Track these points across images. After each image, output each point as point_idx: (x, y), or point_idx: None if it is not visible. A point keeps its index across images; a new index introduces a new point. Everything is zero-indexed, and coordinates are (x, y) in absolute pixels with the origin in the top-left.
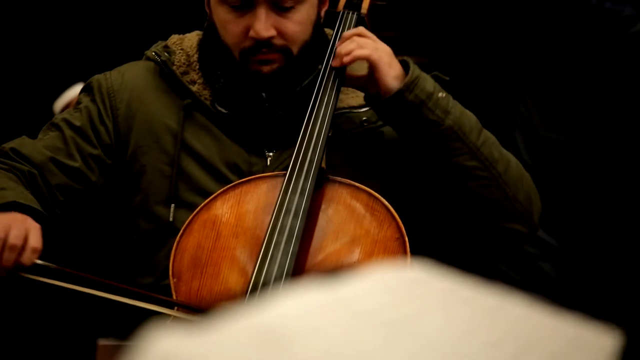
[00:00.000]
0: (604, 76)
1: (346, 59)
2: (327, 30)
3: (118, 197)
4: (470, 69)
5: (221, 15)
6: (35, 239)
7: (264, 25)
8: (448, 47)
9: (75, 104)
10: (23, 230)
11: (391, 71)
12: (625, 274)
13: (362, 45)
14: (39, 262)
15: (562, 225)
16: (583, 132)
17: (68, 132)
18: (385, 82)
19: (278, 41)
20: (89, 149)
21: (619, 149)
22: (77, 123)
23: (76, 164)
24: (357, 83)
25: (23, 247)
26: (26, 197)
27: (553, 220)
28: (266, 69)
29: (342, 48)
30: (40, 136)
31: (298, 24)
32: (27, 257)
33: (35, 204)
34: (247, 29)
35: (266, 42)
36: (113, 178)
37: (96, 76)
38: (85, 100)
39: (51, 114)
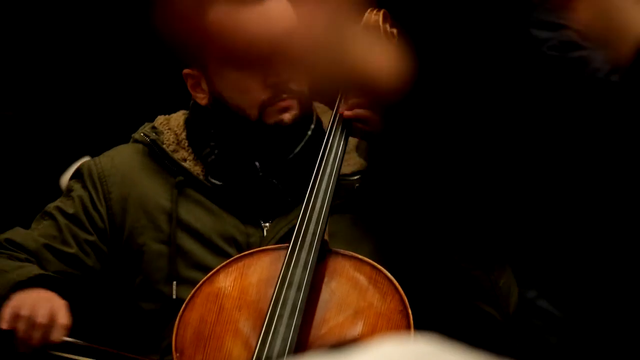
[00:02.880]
0: (607, 150)
1: (347, 114)
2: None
3: (119, 280)
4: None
5: (231, 77)
6: (63, 316)
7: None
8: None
9: (66, 191)
10: (49, 308)
11: None
12: (634, 347)
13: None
14: (68, 339)
15: (565, 295)
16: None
17: (62, 219)
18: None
19: (294, 85)
20: (84, 235)
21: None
22: (71, 210)
23: (71, 250)
24: (364, 135)
25: (51, 325)
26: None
27: (556, 290)
28: (287, 117)
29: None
30: (33, 226)
31: None
32: (56, 335)
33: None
34: (264, 79)
35: (285, 87)
36: (110, 262)
37: (85, 162)
38: (76, 187)
39: (56, 188)
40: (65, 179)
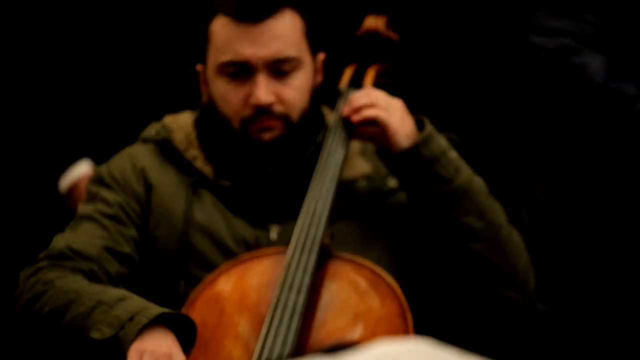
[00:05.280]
0: (608, 155)
1: (355, 118)
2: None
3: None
4: (474, 143)
5: (220, 87)
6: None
7: (264, 91)
8: (452, 125)
9: (91, 196)
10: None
11: (402, 130)
12: (617, 343)
13: (373, 103)
14: None
15: (552, 291)
16: (587, 209)
17: (105, 220)
18: (396, 140)
19: (278, 108)
20: (130, 232)
21: (623, 225)
22: (110, 211)
23: (127, 250)
24: (368, 138)
25: None
26: (153, 305)
27: (544, 286)
28: (267, 136)
29: (354, 101)
30: (70, 231)
31: (296, 89)
32: None
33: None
34: (247, 97)
35: (266, 109)
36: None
37: (103, 167)
38: (103, 190)
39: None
40: (64, 182)
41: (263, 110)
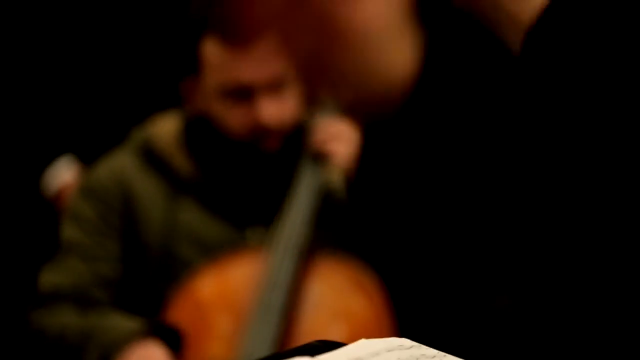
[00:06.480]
0: (568, 146)
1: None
2: None
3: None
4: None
5: (218, 107)
6: None
7: (268, 113)
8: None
9: (72, 213)
10: None
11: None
12: (582, 335)
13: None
14: None
15: (518, 283)
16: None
17: (88, 246)
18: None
19: (281, 124)
20: (113, 246)
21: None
22: (87, 234)
23: (111, 272)
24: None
25: None
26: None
27: (508, 279)
28: (269, 148)
29: (318, 134)
30: (56, 267)
31: (293, 100)
32: None
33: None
34: (248, 116)
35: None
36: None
37: (84, 180)
38: (85, 207)
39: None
40: (50, 184)
41: (267, 130)
